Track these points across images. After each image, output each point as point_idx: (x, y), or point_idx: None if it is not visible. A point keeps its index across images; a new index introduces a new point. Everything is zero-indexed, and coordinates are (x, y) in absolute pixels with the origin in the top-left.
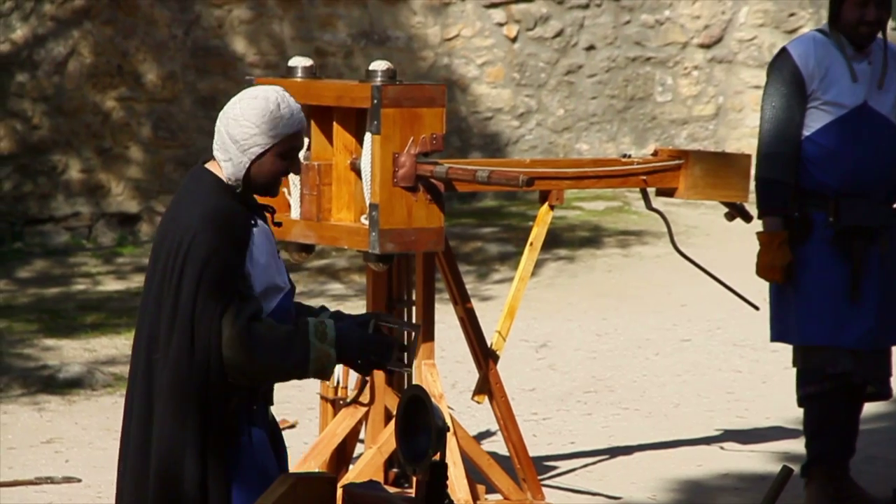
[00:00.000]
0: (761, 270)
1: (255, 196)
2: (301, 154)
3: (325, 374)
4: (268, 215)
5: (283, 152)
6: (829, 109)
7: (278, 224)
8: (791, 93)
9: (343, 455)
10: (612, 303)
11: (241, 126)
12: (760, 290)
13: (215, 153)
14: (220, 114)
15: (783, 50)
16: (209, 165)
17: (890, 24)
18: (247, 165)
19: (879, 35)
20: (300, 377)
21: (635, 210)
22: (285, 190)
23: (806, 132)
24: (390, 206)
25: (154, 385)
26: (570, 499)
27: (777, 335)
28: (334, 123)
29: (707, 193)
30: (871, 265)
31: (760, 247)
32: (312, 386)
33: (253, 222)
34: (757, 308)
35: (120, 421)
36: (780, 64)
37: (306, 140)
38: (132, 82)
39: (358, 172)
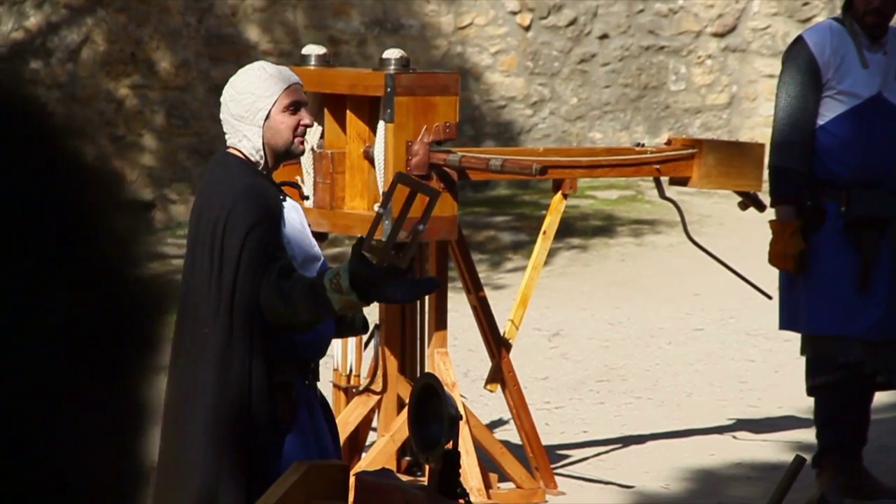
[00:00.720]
0: (774, 259)
1: (283, 164)
2: (315, 142)
3: (357, 311)
4: (293, 191)
5: (286, 106)
6: (843, 99)
7: (306, 198)
8: (806, 81)
9: (355, 443)
10: (625, 292)
11: (240, 102)
12: (773, 280)
13: (230, 141)
14: (221, 107)
15: (799, 38)
16: (230, 151)
17: None
18: (261, 133)
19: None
20: (329, 318)
21: (648, 199)
22: (298, 178)
23: (820, 121)
24: (403, 195)
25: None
26: (583, 487)
27: (786, 323)
28: (347, 112)
29: (720, 182)
30: (881, 255)
31: (773, 235)
32: (325, 374)
33: (282, 197)
34: (770, 297)
35: None
36: (796, 52)
37: (318, 128)
38: (146, 70)
39: (371, 161)
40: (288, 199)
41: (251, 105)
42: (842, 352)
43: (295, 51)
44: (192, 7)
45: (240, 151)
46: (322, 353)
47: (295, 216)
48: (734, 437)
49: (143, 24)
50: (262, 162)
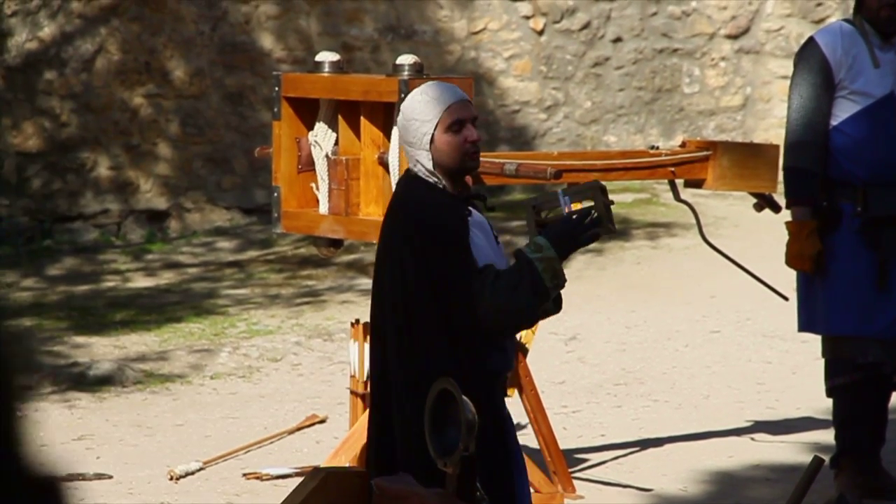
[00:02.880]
0: (790, 260)
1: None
2: (329, 149)
3: (558, 277)
4: (479, 203)
5: (448, 126)
6: (856, 99)
7: (491, 209)
8: (819, 82)
9: None
10: (641, 295)
11: (408, 129)
12: (790, 281)
13: (412, 168)
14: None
15: (810, 39)
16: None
17: None
18: (430, 156)
19: None
20: (544, 298)
21: (664, 202)
22: (313, 185)
23: (833, 122)
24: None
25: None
26: (602, 491)
27: (804, 325)
28: (362, 118)
29: (735, 184)
30: None
31: (790, 236)
32: (342, 381)
33: (467, 211)
34: (786, 299)
35: (149, 417)
36: (808, 53)
37: (332, 134)
38: (160, 79)
39: (386, 167)
40: (472, 211)
41: (416, 130)
42: (860, 352)
43: (308, 58)
44: (205, 15)
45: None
46: (509, 364)
47: (478, 227)
48: (752, 438)
49: (157, 34)
50: (440, 181)
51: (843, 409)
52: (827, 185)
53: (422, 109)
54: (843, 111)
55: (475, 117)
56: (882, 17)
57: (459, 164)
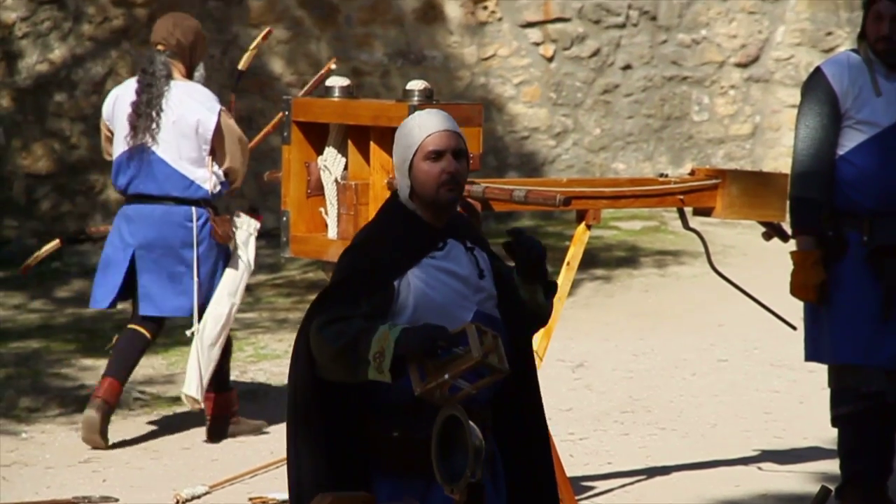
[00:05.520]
0: (795, 289)
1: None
2: (339, 174)
3: (383, 358)
4: (460, 236)
5: (426, 154)
6: (862, 129)
7: (471, 248)
8: (825, 112)
9: None
10: (649, 323)
11: (396, 152)
12: (797, 310)
13: (396, 198)
14: None
15: (817, 70)
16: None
17: None
18: (408, 183)
19: None
20: (351, 367)
21: (672, 230)
22: (322, 210)
23: (840, 151)
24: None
25: None
26: None
27: (811, 354)
28: (371, 143)
29: (744, 213)
30: None
31: (794, 266)
32: None
33: (441, 244)
34: (794, 328)
35: (156, 440)
36: (814, 83)
37: (342, 159)
38: None
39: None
40: (451, 250)
41: (400, 155)
42: (864, 381)
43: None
44: (215, 39)
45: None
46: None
47: (437, 272)
48: (759, 468)
49: None
50: (417, 209)
51: (848, 439)
52: (833, 215)
53: (406, 134)
54: (849, 141)
55: (461, 150)
56: (878, 50)
57: (433, 195)
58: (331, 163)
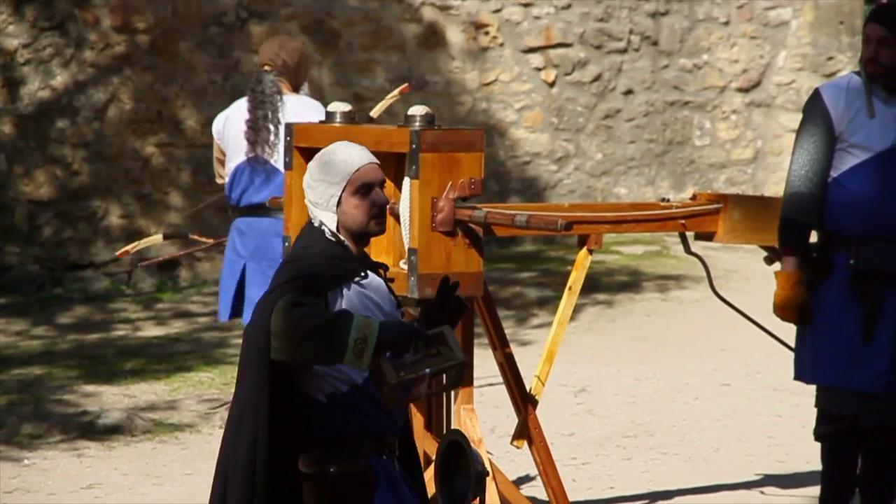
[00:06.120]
0: (777, 309)
1: (367, 247)
2: None
3: (365, 346)
4: (381, 272)
5: (355, 190)
6: (855, 153)
7: (391, 280)
8: (819, 134)
9: None
10: (651, 347)
11: (314, 189)
12: None
13: (317, 227)
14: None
15: (815, 92)
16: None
17: None
18: (335, 219)
19: None
20: (337, 346)
21: (674, 254)
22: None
23: (833, 174)
24: (429, 251)
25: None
26: None
27: (797, 374)
28: None
29: (746, 237)
30: (887, 309)
31: (777, 286)
32: None
33: (362, 275)
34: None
35: (158, 466)
36: (812, 106)
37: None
38: (171, 128)
39: (397, 217)
40: (373, 281)
41: (323, 192)
42: (837, 404)
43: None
44: (217, 65)
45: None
46: (399, 425)
47: (362, 297)
48: (762, 492)
49: (170, 83)
50: (343, 241)
51: (825, 459)
52: (823, 237)
53: (329, 171)
54: (843, 164)
55: (384, 181)
56: (868, 72)
57: (364, 228)
58: None
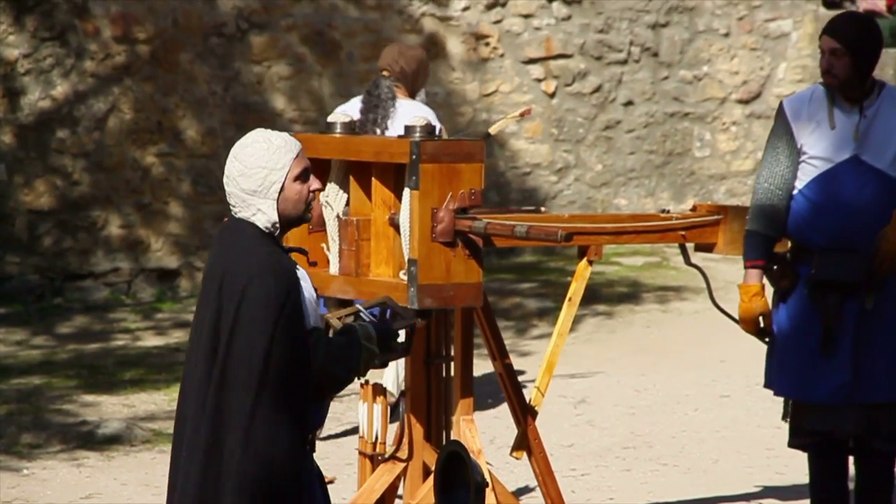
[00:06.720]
0: (740, 322)
1: (292, 229)
2: (340, 209)
3: (367, 369)
4: (301, 257)
5: (297, 175)
6: (815, 164)
7: (314, 263)
8: (781, 147)
9: None
10: (651, 358)
11: (251, 176)
12: None
13: (240, 214)
14: (225, 179)
15: (780, 104)
16: (242, 219)
17: None
18: (275, 206)
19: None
20: (351, 378)
21: (674, 265)
22: (324, 245)
23: (798, 185)
24: (429, 262)
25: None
26: None
27: (765, 382)
28: (373, 179)
29: None
30: (846, 320)
31: (740, 298)
32: (351, 442)
33: (297, 267)
34: None
35: (158, 476)
36: (776, 119)
37: (344, 194)
38: (172, 138)
39: (396, 228)
40: (300, 267)
41: (264, 179)
42: (800, 417)
43: (320, 118)
44: (218, 76)
45: (252, 223)
46: (323, 421)
47: (305, 284)
48: (761, 503)
49: (170, 93)
50: (276, 232)
51: (809, 469)
52: (791, 249)
53: (270, 157)
54: (805, 175)
55: (311, 168)
56: (826, 83)
57: (301, 214)
58: (332, 198)
